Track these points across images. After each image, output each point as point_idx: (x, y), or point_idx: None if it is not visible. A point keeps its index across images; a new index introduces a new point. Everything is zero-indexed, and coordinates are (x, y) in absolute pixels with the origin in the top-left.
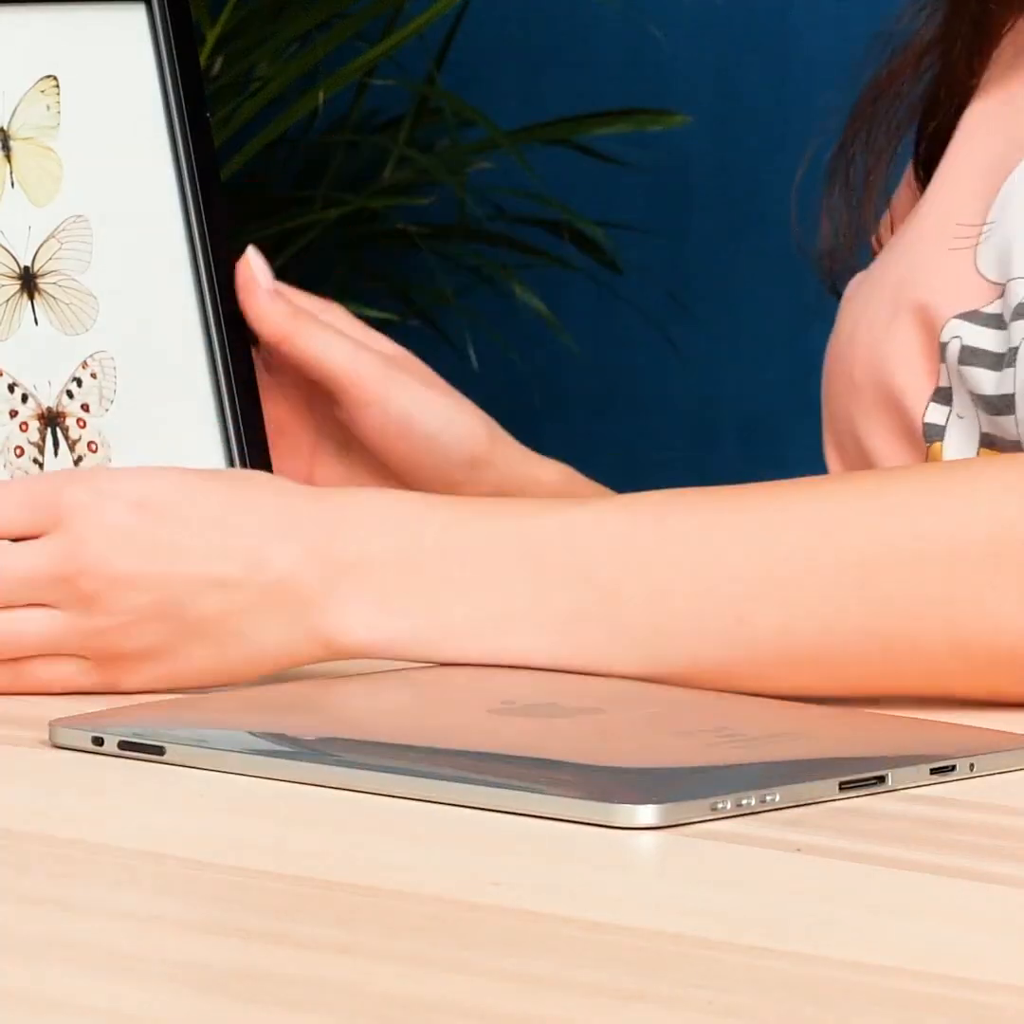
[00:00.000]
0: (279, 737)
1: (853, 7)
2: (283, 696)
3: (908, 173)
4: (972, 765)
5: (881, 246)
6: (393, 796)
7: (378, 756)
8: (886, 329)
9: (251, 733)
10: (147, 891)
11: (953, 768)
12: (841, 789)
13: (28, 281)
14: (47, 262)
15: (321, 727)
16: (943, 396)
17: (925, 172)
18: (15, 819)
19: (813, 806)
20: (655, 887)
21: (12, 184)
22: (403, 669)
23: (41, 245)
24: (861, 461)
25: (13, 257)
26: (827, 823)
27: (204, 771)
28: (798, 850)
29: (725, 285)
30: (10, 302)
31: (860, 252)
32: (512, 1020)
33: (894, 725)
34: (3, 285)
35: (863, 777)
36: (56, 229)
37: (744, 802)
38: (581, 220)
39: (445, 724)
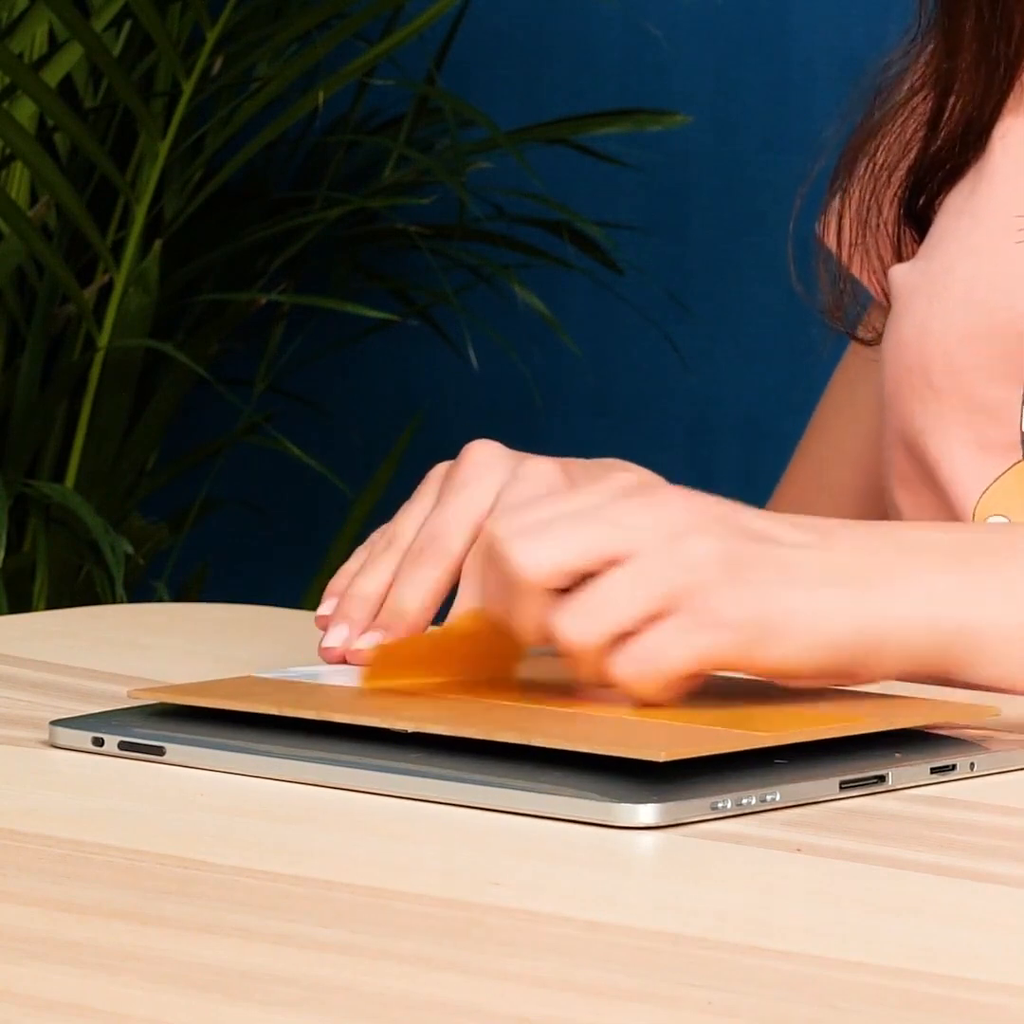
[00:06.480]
0: (279, 737)
1: (853, 7)
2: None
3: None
4: (972, 765)
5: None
6: (393, 796)
7: (377, 756)
8: (967, 335)
9: (251, 733)
10: (147, 891)
11: (953, 768)
12: (841, 789)
13: None
14: None
15: (320, 727)
16: None
17: (919, 214)
18: (15, 819)
19: (813, 806)
20: (655, 887)
21: None
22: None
23: None
24: (922, 466)
25: None
26: (827, 823)
27: (204, 771)
28: (798, 850)
29: (725, 285)
30: None
31: (861, 297)
32: (512, 1020)
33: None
34: None
35: (863, 777)
36: None
37: (744, 802)
38: (581, 220)
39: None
